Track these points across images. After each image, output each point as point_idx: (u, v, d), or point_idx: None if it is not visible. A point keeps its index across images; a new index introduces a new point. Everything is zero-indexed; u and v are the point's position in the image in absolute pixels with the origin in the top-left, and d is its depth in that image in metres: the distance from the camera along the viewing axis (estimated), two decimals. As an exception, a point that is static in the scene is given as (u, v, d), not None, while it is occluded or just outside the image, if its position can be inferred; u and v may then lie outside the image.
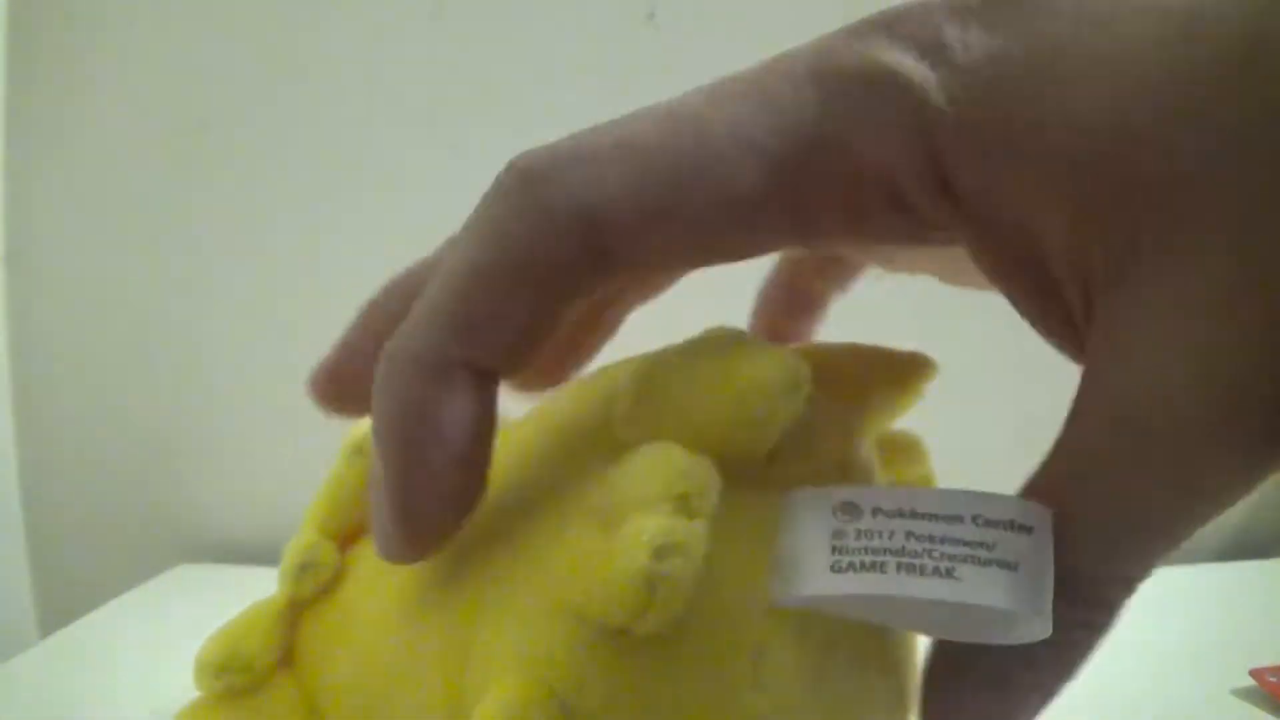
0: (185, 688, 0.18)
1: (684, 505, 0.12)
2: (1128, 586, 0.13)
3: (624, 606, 0.12)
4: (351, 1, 0.47)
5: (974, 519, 0.12)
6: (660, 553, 0.12)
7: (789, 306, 0.22)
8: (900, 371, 0.18)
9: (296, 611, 0.18)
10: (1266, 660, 0.31)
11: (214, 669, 0.17)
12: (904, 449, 0.20)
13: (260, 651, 0.17)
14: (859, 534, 0.13)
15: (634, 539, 0.12)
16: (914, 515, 0.12)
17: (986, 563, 0.12)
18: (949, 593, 0.12)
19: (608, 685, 0.13)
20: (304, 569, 0.18)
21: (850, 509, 0.13)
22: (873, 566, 0.12)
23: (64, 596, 0.50)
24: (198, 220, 0.49)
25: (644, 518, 0.12)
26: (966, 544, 0.12)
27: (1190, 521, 0.12)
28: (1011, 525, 0.12)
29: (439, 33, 0.47)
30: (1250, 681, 0.30)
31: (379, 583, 0.17)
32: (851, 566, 0.12)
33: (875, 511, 0.13)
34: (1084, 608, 0.13)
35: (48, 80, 0.49)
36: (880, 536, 0.12)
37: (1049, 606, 0.12)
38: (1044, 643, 0.12)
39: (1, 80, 0.48)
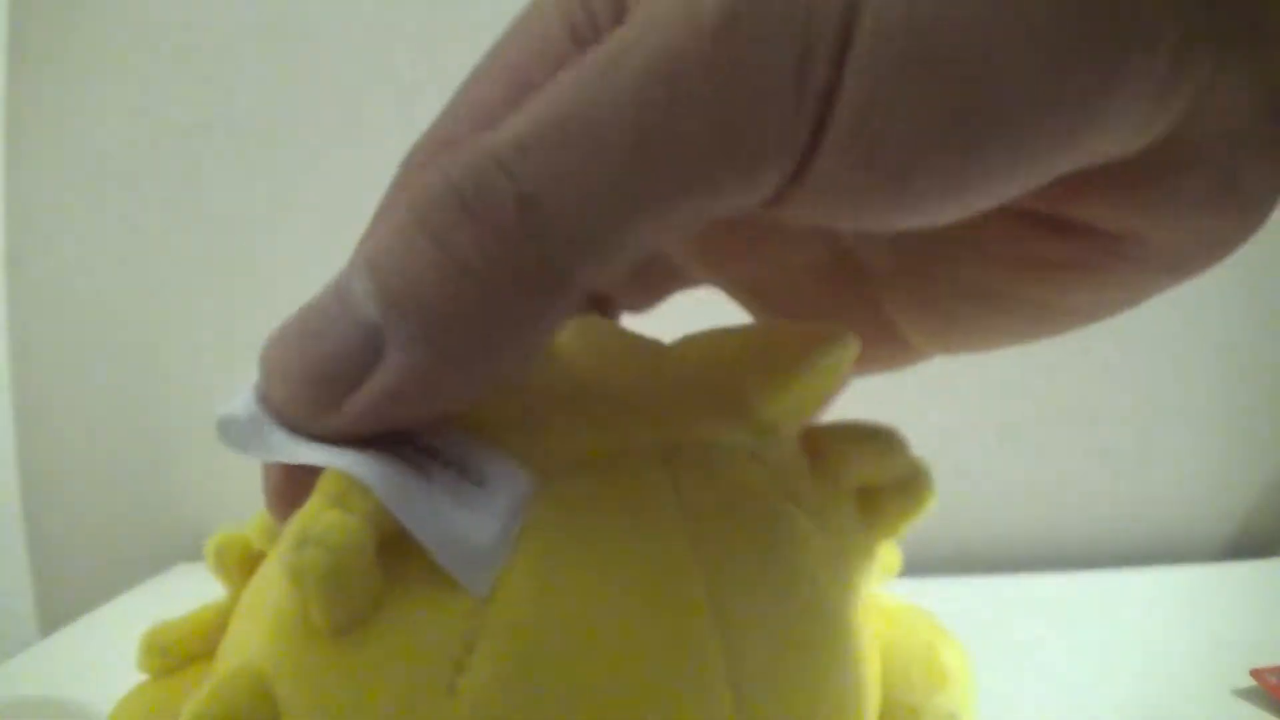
0: (184, 688, 0.18)
1: (336, 501, 0.13)
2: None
3: (283, 597, 0.13)
4: (352, 1, 0.47)
5: None
6: (297, 542, 0.12)
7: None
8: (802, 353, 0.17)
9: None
10: (1267, 660, 0.31)
11: (140, 648, 0.17)
12: (868, 439, 0.18)
13: (183, 639, 0.17)
14: None
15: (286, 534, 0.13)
16: None
17: None
18: None
19: (301, 676, 0.13)
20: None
21: None
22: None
23: (64, 596, 0.50)
24: (199, 221, 0.49)
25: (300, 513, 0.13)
26: None
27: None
28: None
29: (441, 35, 0.47)
30: (1251, 681, 0.30)
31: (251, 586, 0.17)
32: None
33: None
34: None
35: (48, 81, 0.49)
36: None
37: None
38: None
39: (2, 80, 0.48)
